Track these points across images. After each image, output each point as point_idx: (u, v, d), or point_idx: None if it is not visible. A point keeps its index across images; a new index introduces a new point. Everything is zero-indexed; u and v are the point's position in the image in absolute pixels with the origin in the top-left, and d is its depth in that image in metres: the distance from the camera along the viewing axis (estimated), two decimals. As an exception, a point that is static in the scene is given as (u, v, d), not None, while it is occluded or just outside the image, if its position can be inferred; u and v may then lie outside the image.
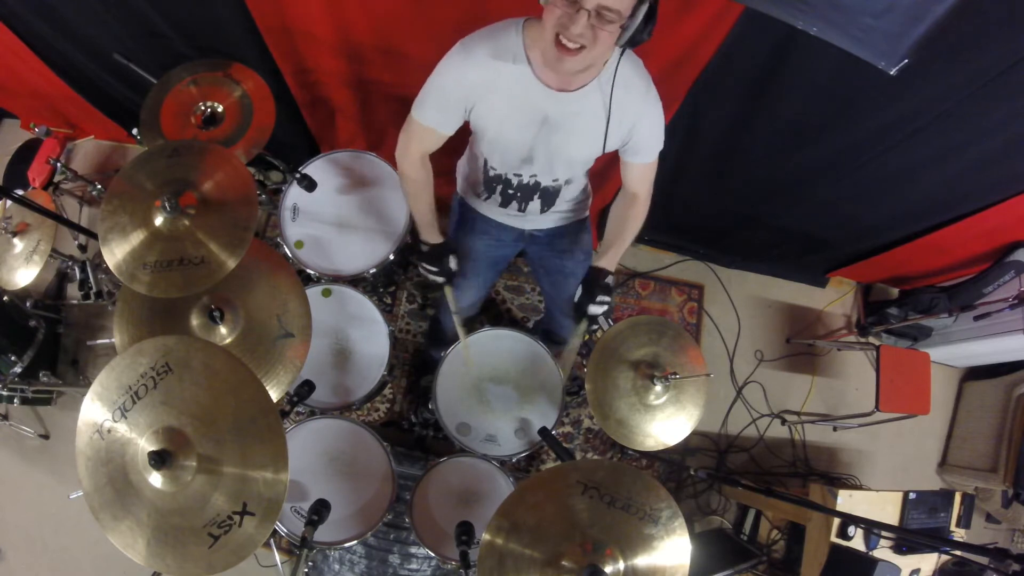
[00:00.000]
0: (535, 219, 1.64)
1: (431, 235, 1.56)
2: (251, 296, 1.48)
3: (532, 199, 1.53)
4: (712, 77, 1.58)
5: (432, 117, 1.32)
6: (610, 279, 1.52)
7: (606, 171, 2.05)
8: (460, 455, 1.68)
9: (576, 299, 1.54)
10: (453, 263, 1.59)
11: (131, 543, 1.01)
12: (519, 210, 1.58)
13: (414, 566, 1.94)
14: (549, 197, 1.52)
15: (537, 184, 1.47)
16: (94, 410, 1.05)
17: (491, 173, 1.46)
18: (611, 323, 2.59)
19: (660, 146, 1.38)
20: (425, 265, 1.58)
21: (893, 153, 1.72)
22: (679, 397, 1.59)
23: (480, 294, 1.79)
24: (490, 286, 1.83)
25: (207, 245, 1.32)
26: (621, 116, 1.26)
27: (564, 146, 1.33)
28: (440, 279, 1.60)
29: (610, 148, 1.35)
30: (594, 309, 1.50)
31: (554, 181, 1.46)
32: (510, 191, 1.50)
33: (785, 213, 2.23)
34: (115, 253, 1.32)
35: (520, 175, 1.44)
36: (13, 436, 2.41)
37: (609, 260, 1.52)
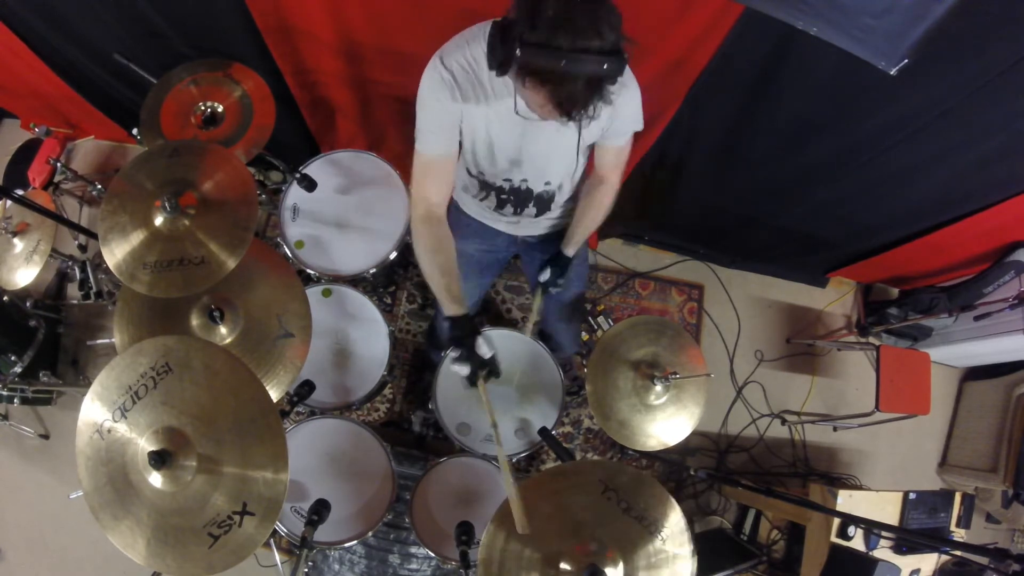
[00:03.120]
0: (528, 225, 1.64)
1: (452, 306, 1.33)
2: (251, 296, 1.48)
3: (527, 206, 1.52)
4: (712, 77, 1.58)
5: (435, 143, 1.27)
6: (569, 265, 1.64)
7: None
8: (460, 455, 1.68)
9: (540, 277, 1.66)
10: (484, 349, 1.34)
11: (131, 543, 1.01)
12: (514, 214, 1.56)
13: (414, 566, 1.94)
14: (544, 203, 1.52)
15: (530, 191, 1.46)
16: (94, 410, 1.05)
17: (480, 179, 1.45)
18: (611, 323, 2.59)
19: (637, 127, 1.35)
20: (452, 355, 1.33)
21: (893, 153, 1.72)
22: (679, 397, 1.59)
23: (474, 297, 1.79)
24: (484, 290, 1.83)
25: (207, 245, 1.32)
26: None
27: (549, 145, 1.33)
28: (466, 369, 1.31)
29: (588, 139, 1.33)
30: (555, 290, 1.66)
31: (546, 185, 1.45)
32: (503, 196, 1.49)
33: (785, 213, 2.23)
34: (115, 253, 1.32)
35: (510, 179, 1.42)
36: (13, 436, 2.41)
37: (573, 247, 1.62)
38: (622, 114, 1.29)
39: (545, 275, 1.64)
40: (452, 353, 1.34)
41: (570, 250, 1.61)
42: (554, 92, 0.95)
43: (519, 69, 0.96)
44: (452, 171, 1.34)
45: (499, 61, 0.99)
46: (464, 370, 1.32)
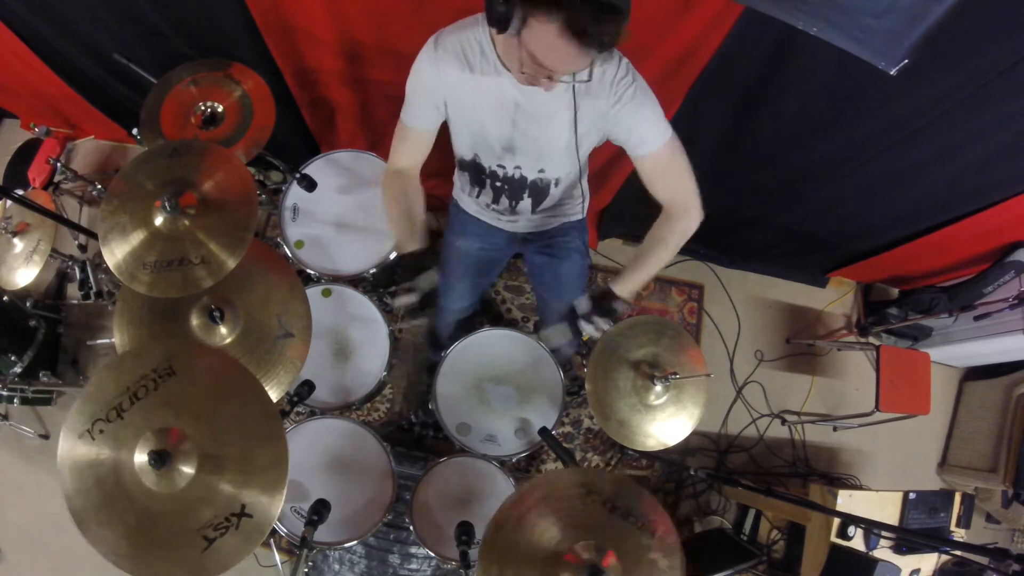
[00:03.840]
0: (527, 220, 1.63)
1: (409, 243, 1.45)
2: (251, 296, 1.48)
3: (522, 197, 1.51)
4: (712, 77, 1.58)
5: (419, 117, 1.34)
6: (619, 305, 1.39)
7: (606, 172, 2.06)
8: (460, 455, 1.68)
9: (578, 309, 1.45)
10: (427, 281, 1.46)
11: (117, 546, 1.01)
12: (510, 208, 1.56)
13: (414, 566, 1.94)
14: (539, 193, 1.50)
15: (524, 179, 1.45)
16: (88, 412, 1.04)
17: (477, 161, 1.44)
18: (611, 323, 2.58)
19: (663, 132, 1.26)
20: (401, 287, 1.43)
21: (893, 153, 1.72)
22: (679, 397, 1.59)
23: (473, 297, 1.78)
24: (483, 290, 1.83)
25: (207, 245, 1.32)
26: (592, 103, 1.23)
27: (541, 135, 1.31)
28: (412, 299, 1.45)
29: (586, 137, 1.31)
30: (586, 328, 1.42)
31: (540, 172, 1.43)
32: (497, 183, 1.48)
33: (785, 213, 2.23)
34: (115, 253, 1.32)
35: (504, 166, 1.42)
36: (13, 436, 2.41)
37: (622, 285, 1.40)
38: (626, 117, 1.24)
39: (582, 305, 1.44)
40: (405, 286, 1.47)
41: (622, 288, 1.41)
42: (567, 21, 0.93)
43: (526, 5, 0.95)
44: (427, 144, 1.41)
45: (500, 11, 0.98)
46: (411, 298, 1.47)
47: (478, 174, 1.48)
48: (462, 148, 1.43)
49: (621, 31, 0.97)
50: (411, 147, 1.41)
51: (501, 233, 1.70)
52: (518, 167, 1.42)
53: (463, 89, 1.26)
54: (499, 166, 1.43)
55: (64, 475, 1.02)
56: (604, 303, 1.41)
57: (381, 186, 1.47)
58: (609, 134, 1.31)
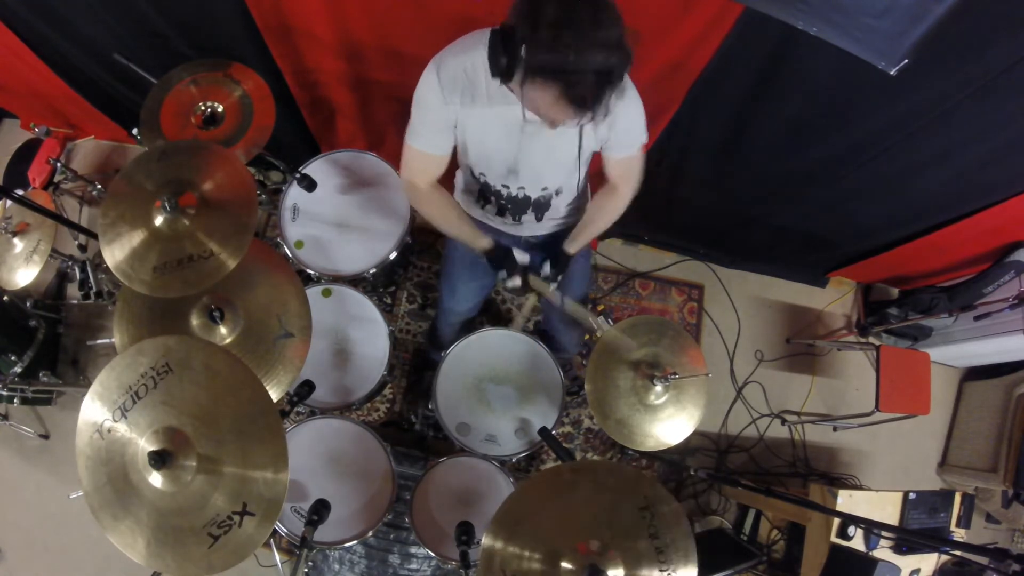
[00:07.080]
0: (531, 227, 1.64)
1: (480, 242, 1.51)
2: (251, 296, 1.48)
3: (525, 212, 1.54)
4: (712, 77, 1.58)
5: (427, 141, 1.31)
6: (569, 260, 1.60)
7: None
8: (460, 455, 1.68)
9: (540, 272, 1.61)
10: (520, 255, 1.56)
11: (131, 543, 1.01)
12: (514, 220, 1.58)
13: (414, 566, 1.94)
14: (541, 208, 1.53)
15: (527, 198, 1.48)
16: (94, 410, 1.05)
17: (482, 180, 1.46)
18: (611, 323, 2.58)
19: (642, 139, 1.36)
20: (501, 276, 1.54)
21: (893, 153, 1.72)
22: (679, 397, 1.59)
23: (477, 299, 1.79)
24: (487, 291, 1.83)
25: (207, 245, 1.32)
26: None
27: (546, 153, 1.34)
28: (517, 282, 1.54)
29: (588, 149, 1.34)
30: (547, 273, 1.59)
31: (543, 190, 1.46)
32: (502, 202, 1.51)
33: (785, 213, 2.23)
34: (115, 254, 1.32)
35: (508, 187, 1.44)
36: (13, 436, 2.41)
37: (575, 246, 1.57)
38: (621, 124, 1.30)
39: (545, 270, 1.61)
40: (501, 275, 1.54)
41: (571, 247, 1.58)
42: (565, 89, 0.96)
43: (526, 71, 0.96)
44: (442, 166, 1.38)
45: (503, 67, 1.00)
46: (516, 282, 1.53)
47: (483, 191, 1.49)
48: (472, 165, 1.43)
49: (618, 91, 1.00)
50: (427, 170, 1.38)
51: (504, 236, 1.70)
52: (521, 187, 1.44)
53: (470, 113, 1.25)
54: (503, 186, 1.45)
55: (81, 473, 1.03)
56: (561, 259, 1.58)
57: (416, 201, 1.46)
58: (608, 137, 1.33)
